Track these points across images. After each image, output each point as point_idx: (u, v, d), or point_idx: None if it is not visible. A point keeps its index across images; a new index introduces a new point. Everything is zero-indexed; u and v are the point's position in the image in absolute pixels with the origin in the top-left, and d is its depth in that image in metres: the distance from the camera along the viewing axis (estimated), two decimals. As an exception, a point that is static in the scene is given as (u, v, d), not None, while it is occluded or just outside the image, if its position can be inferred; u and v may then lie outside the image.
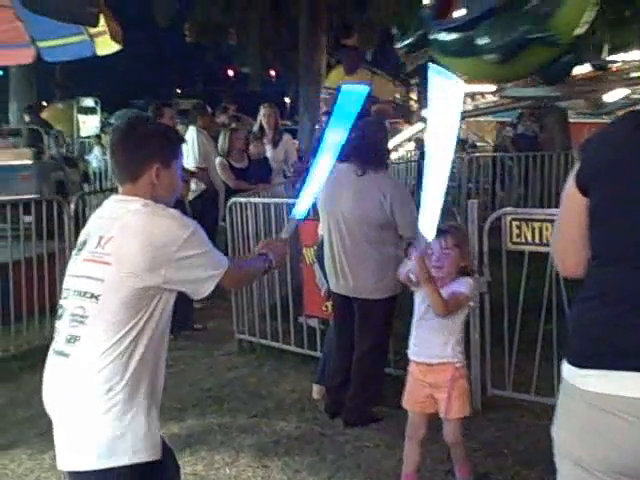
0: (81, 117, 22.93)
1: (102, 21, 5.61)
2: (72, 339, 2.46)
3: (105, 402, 2.41)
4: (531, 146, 12.91)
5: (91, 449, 2.42)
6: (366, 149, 4.57)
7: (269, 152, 8.26)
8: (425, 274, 3.52)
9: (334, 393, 4.89)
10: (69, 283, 2.56)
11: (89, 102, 23.77)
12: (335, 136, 3.01)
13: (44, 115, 21.00)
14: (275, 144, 8.30)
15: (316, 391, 5.14)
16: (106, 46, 6.42)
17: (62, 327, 2.50)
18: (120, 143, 2.64)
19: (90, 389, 2.42)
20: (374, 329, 4.64)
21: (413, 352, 3.84)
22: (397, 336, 4.83)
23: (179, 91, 46.67)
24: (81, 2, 5.38)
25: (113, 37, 5.97)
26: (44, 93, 25.25)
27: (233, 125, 8.81)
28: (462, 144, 19.39)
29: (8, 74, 19.59)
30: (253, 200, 6.12)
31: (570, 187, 2.10)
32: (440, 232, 3.73)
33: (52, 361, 2.53)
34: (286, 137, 8.56)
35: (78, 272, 2.53)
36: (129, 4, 23.06)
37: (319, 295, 5.50)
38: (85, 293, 2.47)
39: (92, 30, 6.24)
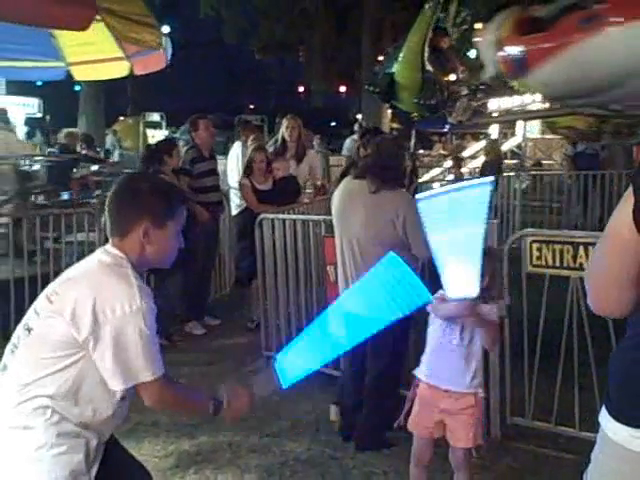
0: (149, 131, 23.44)
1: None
2: (3, 367, 2.44)
3: (21, 440, 2.33)
4: (591, 165, 12.54)
5: None
6: (382, 167, 4.47)
7: (292, 168, 7.60)
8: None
9: (349, 415, 4.80)
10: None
11: (155, 117, 24.27)
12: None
13: (116, 128, 21.59)
14: (299, 160, 7.72)
15: (333, 412, 5.04)
16: (89, 74, 6.86)
17: (5, 354, 2.48)
18: (115, 196, 2.57)
19: (6, 424, 2.36)
20: (386, 351, 4.52)
21: (427, 375, 3.70)
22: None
23: (252, 107, 47.32)
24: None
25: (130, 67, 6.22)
26: (116, 108, 25.96)
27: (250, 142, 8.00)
28: (521, 162, 19.11)
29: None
30: (281, 216, 6.08)
31: (623, 225, 1.84)
32: None
33: None
34: (311, 152, 8.08)
35: (34, 305, 2.49)
36: (202, 22, 23.54)
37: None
38: (25, 324, 2.44)
39: (71, 59, 6.70)
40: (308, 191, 8.09)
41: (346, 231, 4.58)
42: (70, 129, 14.45)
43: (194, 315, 7.35)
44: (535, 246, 4.49)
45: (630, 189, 1.87)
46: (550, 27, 6.58)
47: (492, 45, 7.28)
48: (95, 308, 2.30)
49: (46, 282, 2.68)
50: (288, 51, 22.26)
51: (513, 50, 6.91)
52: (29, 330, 2.39)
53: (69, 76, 6.98)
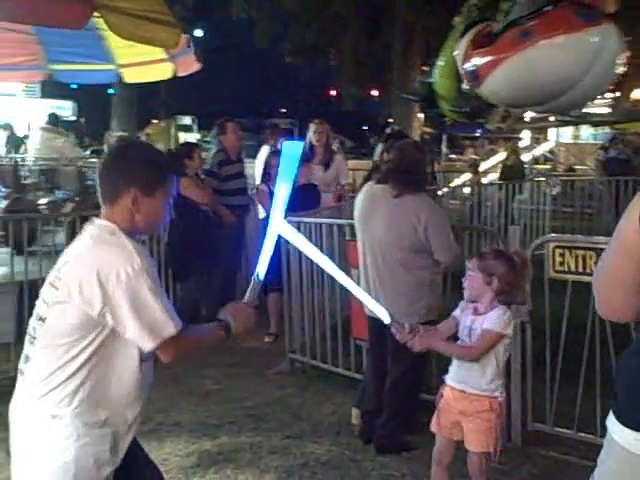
0: (181, 134, 23.66)
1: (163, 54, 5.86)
2: (26, 358, 2.49)
3: (48, 430, 2.39)
4: (623, 170, 12.42)
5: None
6: (404, 172, 4.49)
7: (319, 174, 7.52)
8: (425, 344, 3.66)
9: (369, 418, 4.81)
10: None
11: (186, 120, 24.49)
12: (282, 191, 2.78)
13: (148, 132, 21.83)
14: (326, 165, 7.64)
15: (355, 415, 5.06)
16: (138, 76, 6.77)
17: (25, 346, 2.53)
18: (105, 164, 2.61)
19: (34, 413, 2.41)
20: (407, 355, 4.47)
21: (449, 377, 3.78)
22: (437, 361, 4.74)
23: (283, 110, 47.47)
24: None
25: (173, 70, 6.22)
26: (149, 111, 26.20)
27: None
28: (553, 167, 18.97)
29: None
30: (307, 220, 6.11)
31: (630, 231, 1.87)
32: (477, 256, 3.70)
33: (18, 378, 2.55)
34: (338, 157, 7.84)
35: (41, 294, 2.53)
36: (233, 26, 23.70)
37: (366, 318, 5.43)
38: (37, 315, 2.48)
39: (122, 61, 6.56)
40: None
41: (368, 235, 4.61)
42: (119, 133, 14.87)
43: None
44: (558, 252, 4.47)
45: (638, 195, 1.88)
46: (496, 41, 7.26)
47: (460, 60, 7.84)
48: (100, 280, 2.32)
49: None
50: (319, 55, 22.28)
51: (469, 63, 7.54)
52: (43, 320, 2.43)
53: (119, 79, 6.95)
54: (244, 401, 5.56)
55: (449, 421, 3.72)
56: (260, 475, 4.36)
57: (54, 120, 11.83)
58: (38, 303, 2.51)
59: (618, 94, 10.35)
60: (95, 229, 2.50)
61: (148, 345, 2.40)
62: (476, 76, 7.33)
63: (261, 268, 2.79)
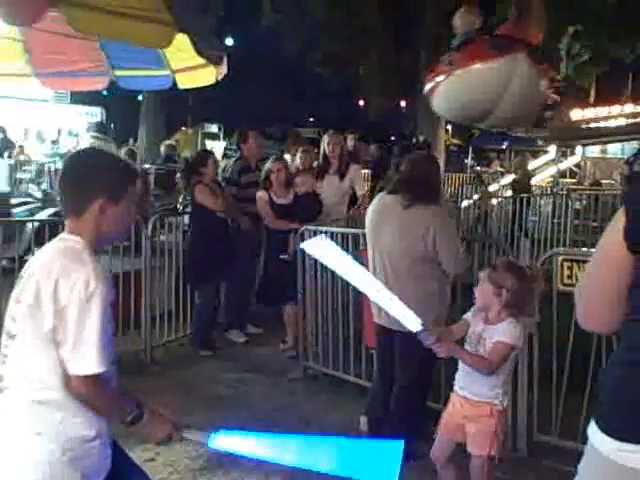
0: (208, 142, 23.85)
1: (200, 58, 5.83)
2: (0, 378, 2.43)
3: (31, 446, 2.34)
4: (647, 185, 12.32)
5: None
6: (415, 183, 4.55)
7: (334, 184, 7.50)
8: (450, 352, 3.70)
9: (376, 425, 4.87)
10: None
11: (213, 128, 24.67)
12: None
13: (176, 138, 22.06)
14: (341, 176, 7.54)
15: (363, 423, 5.13)
16: (191, 81, 6.71)
17: None
18: (66, 173, 2.51)
19: (14, 431, 2.38)
20: (414, 364, 4.58)
21: (457, 385, 3.91)
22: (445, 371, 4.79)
23: (312, 119, 47.63)
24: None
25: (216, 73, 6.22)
26: (177, 118, 26.45)
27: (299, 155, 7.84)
28: (579, 181, 18.88)
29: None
30: (322, 228, 6.19)
31: (614, 242, 1.93)
32: (491, 267, 3.78)
33: None
34: (353, 168, 7.71)
35: (8, 311, 2.46)
36: (263, 34, 23.89)
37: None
38: (7, 332, 2.42)
39: (175, 66, 6.56)
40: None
41: (378, 244, 4.67)
42: (168, 141, 15.26)
43: (236, 323, 7.50)
44: (566, 265, 4.52)
45: (622, 208, 1.94)
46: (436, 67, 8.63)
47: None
48: (56, 295, 2.27)
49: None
50: (348, 64, 22.42)
51: (425, 85, 8.87)
52: (12, 337, 2.39)
53: (174, 84, 6.85)
54: (255, 406, 5.64)
55: (453, 424, 3.86)
56: (265, 478, 4.43)
57: (102, 128, 12.09)
58: (6, 321, 2.45)
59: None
60: (61, 243, 2.45)
61: (71, 369, 2.31)
62: (428, 96, 8.60)
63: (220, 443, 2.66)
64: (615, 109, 10.48)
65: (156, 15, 4.64)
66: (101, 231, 2.45)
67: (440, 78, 8.18)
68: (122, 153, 13.55)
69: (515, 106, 7.82)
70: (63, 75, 7.29)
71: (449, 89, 8.09)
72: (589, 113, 10.64)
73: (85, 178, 2.46)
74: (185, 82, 6.75)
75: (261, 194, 7.08)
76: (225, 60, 6.09)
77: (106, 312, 2.32)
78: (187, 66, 6.46)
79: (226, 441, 2.62)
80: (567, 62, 10.76)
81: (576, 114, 10.80)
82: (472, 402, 3.76)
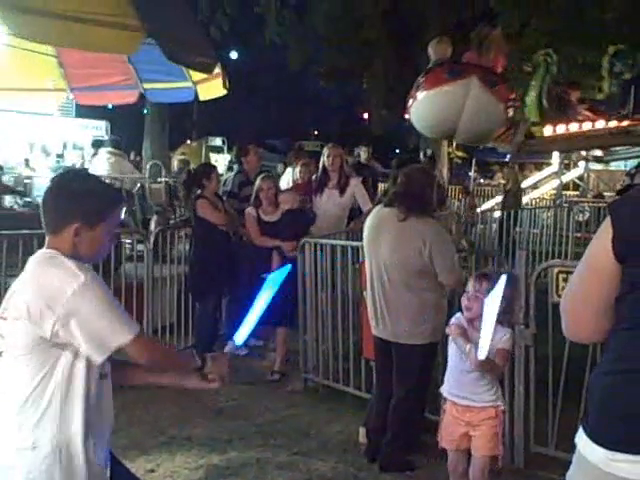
0: (213, 155, 23.95)
1: (216, 69, 5.85)
2: None
3: (24, 460, 2.38)
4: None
5: None
6: (410, 196, 4.60)
7: (334, 198, 7.37)
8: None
9: (375, 437, 4.90)
10: None
11: (217, 141, 24.76)
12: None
13: (184, 151, 22.16)
14: (342, 190, 7.39)
15: (362, 434, 5.16)
16: (209, 92, 6.76)
17: None
18: (49, 195, 2.58)
19: (7, 448, 2.41)
20: (411, 375, 4.63)
21: (451, 394, 4.01)
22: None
23: (316, 133, 47.68)
24: (198, 53, 5.63)
25: (223, 84, 6.26)
26: (181, 132, 26.57)
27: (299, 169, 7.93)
28: (582, 193, 18.88)
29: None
30: (322, 241, 6.24)
31: (601, 253, 1.96)
32: (480, 276, 3.86)
33: None
34: (354, 181, 7.61)
35: None
36: (266, 49, 24.01)
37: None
38: None
39: (196, 77, 6.61)
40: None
41: (375, 256, 4.72)
42: (181, 156, 15.59)
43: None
44: (561, 277, 4.55)
45: (608, 219, 1.98)
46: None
47: None
48: (46, 300, 2.33)
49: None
50: (351, 78, 22.51)
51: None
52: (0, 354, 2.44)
53: (196, 96, 6.89)
54: (255, 418, 5.69)
55: (457, 434, 3.96)
56: (266, 487, 4.48)
57: (117, 144, 12.22)
58: None
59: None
60: (38, 257, 2.52)
61: (98, 358, 2.40)
62: (407, 112, 9.41)
63: (240, 337, 2.85)
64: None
65: (122, 20, 4.53)
66: (76, 251, 2.51)
67: (410, 102, 9.10)
68: (176, 162, 14.24)
69: (474, 124, 8.62)
70: (96, 89, 7.37)
71: (419, 109, 9.00)
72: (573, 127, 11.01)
73: (64, 201, 2.54)
74: (204, 93, 6.80)
75: (249, 210, 7.10)
76: (219, 69, 6.11)
77: (107, 292, 2.45)
78: (204, 77, 6.49)
79: (242, 331, 2.85)
80: (610, 80, 11.27)
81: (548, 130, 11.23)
82: (477, 409, 3.89)
